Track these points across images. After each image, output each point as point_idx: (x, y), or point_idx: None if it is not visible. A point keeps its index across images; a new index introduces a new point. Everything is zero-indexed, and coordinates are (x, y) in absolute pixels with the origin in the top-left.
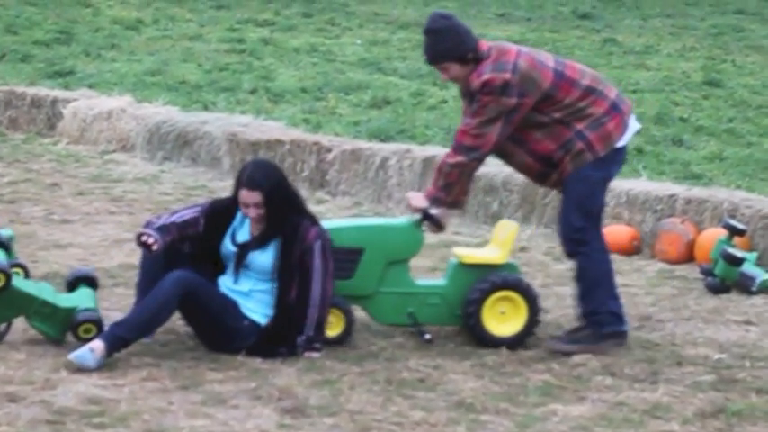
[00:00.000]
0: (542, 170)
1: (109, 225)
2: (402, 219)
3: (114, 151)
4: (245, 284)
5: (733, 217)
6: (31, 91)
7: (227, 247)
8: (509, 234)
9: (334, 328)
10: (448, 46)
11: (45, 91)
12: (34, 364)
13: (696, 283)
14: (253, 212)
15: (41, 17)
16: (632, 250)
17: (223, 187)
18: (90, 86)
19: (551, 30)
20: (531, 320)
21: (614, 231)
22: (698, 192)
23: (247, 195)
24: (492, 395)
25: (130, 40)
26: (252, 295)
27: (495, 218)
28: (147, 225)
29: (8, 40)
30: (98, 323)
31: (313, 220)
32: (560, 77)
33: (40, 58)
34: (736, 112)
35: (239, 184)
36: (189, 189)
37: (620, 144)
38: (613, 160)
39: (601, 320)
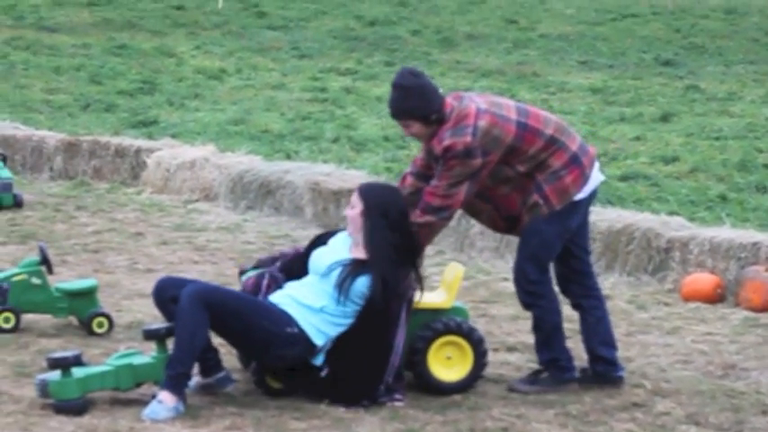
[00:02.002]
0: (506, 224)
1: (192, 274)
2: None
3: (197, 200)
4: (320, 301)
5: None
6: (115, 141)
7: (321, 256)
8: (455, 277)
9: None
10: (413, 104)
11: (129, 141)
12: (119, 413)
13: None
14: (349, 211)
15: (125, 67)
16: (716, 298)
17: (306, 236)
18: (173, 136)
19: (634, 77)
20: (477, 365)
21: (698, 279)
22: None
23: (354, 198)
24: None
25: (213, 90)
26: (322, 312)
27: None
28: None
29: (93, 90)
30: (109, 317)
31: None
32: (524, 129)
33: (123, 107)
34: None
35: None
36: (272, 238)
37: (578, 197)
38: (571, 213)
39: (562, 367)
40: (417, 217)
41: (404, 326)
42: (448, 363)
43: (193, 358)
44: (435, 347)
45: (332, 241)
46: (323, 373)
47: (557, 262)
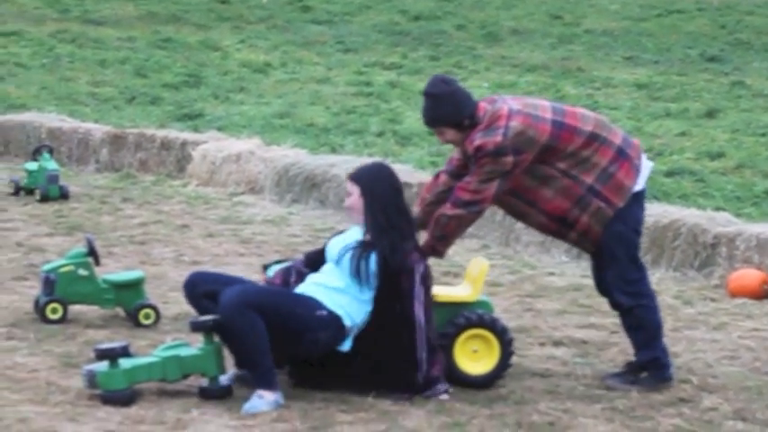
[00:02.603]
0: (558, 229)
1: (238, 267)
2: None
3: (243, 193)
4: (342, 281)
5: None
6: (161, 134)
7: (336, 244)
8: (480, 271)
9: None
10: (445, 111)
11: (174, 133)
12: (165, 404)
13: None
14: (347, 201)
15: (171, 60)
16: (762, 294)
17: None
18: (219, 129)
19: (679, 73)
20: (503, 359)
21: (744, 275)
22: None
23: (349, 186)
24: None
25: (259, 83)
26: (346, 292)
27: None
28: None
29: (138, 83)
30: (155, 308)
31: (417, 249)
32: (560, 127)
33: (169, 101)
34: None
35: None
36: (317, 231)
37: (636, 189)
38: (635, 205)
39: (663, 365)
40: (447, 210)
41: (422, 301)
42: (475, 356)
43: (266, 350)
44: (460, 342)
45: (348, 231)
46: (353, 359)
47: (594, 261)
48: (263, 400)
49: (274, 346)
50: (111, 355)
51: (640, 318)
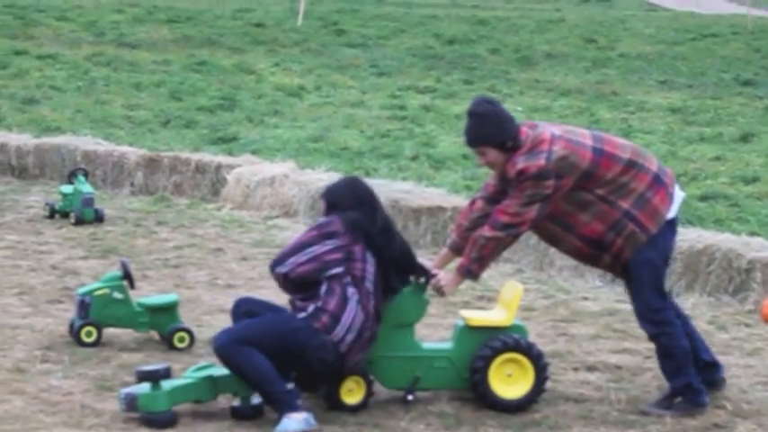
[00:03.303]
0: (593, 253)
1: (272, 290)
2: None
3: (277, 217)
4: None
5: None
6: (196, 157)
7: None
8: (515, 295)
9: (355, 395)
10: (489, 131)
11: (209, 157)
12: (200, 426)
13: None
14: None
15: (205, 84)
16: None
17: None
18: (253, 152)
19: (713, 96)
20: (538, 383)
21: None
22: None
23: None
24: None
25: (293, 107)
26: None
27: None
28: None
29: (173, 106)
30: (190, 332)
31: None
32: (599, 154)
33: (204, 124)
34: None
35: None
36: None
37: (669, 216)
38: (668, 232)
39: (696, 390)
40: (486, 231)
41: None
42: (509, 380)
43: (271, 378)
44: (495, 366)
45: None
46: None
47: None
48: (292, 419)
49: (286, 368)
50: (155, 378)
51: (666, 346)
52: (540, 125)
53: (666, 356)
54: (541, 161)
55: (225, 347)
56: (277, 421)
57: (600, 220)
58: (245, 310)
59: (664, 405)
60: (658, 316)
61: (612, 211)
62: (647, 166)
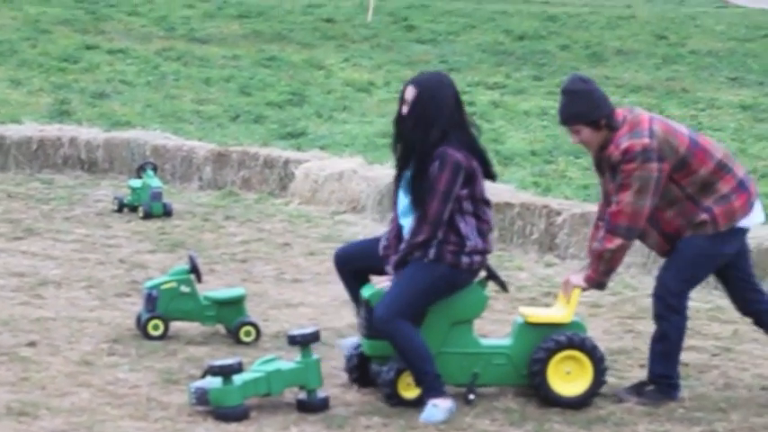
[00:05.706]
0: (670, 249)
1: (339, 285)
2: None
3: (345, 212)
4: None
5: None
6: (264, 152)
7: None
8: (574, 293)
9: (413, 390)
10: (582, 109)
11: (277, 152)
12: (264, 421)
13: None
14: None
15: (275, 79)
16: None
17: None
18: (321, 147)
19: None
20: (596, 380)
21: None
22: None
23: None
24: None
25: (362, 102)
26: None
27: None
28: None
29: (242, 101)
30: (256, 326)
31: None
32: (695, 145)
33: (272, 119)
34: None
35: None
36: None
37: (741, 223)
38: (730, 238)
39: (672, 384)
40: (608, 243)
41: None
42: (567, 377)
43: (425, 357)
44: (556, 361)
45: None
46: None
47: (729, 292)
48: (438, 408)
49: None
50: (228, 372)
51: (665, 331)
52: (637, 109)
53: (659, 341)
54: (645, 139)
55: (385, 323)
56: (423, 406)
57: (681, 215)
58: (351, 269)
59: (635, 391)
60: (674, 300)
61: (695, 208)
62: (735, 170)
